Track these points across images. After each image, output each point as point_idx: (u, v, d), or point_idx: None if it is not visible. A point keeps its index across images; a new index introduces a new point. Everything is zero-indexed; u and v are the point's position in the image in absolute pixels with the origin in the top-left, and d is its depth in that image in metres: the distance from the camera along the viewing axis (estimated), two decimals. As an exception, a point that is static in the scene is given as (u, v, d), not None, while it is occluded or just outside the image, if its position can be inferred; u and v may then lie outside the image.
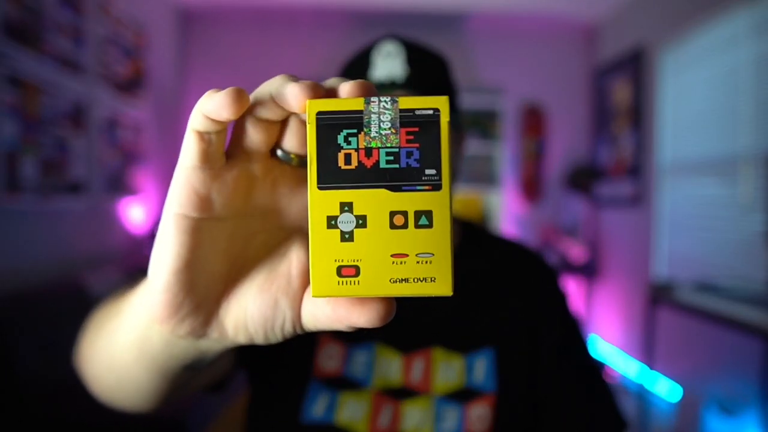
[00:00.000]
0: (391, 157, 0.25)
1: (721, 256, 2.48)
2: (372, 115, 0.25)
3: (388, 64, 0.63)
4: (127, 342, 0.35)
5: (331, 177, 0.24)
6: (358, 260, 0.24)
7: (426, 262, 0.25)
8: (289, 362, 0.66)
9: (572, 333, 0.72)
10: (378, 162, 0.25)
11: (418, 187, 0.24)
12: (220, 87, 0.26)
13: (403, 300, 0.73)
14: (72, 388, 1.71)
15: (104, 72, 2.44)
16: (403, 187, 0.25)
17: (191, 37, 3.77)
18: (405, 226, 0.25)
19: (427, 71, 0.66)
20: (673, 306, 2.18)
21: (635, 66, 3.25)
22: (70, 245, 2.26)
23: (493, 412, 0.64)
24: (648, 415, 2.64)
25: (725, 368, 2.31)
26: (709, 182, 2.59)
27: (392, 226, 0.25)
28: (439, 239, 0.24)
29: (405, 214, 0.25)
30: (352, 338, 0.66)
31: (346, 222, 0.25)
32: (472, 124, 3.71)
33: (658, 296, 2.24)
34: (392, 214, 0.25)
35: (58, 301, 1.83)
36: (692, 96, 2.75)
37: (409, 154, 0.25)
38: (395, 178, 0.25)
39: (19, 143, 1.82)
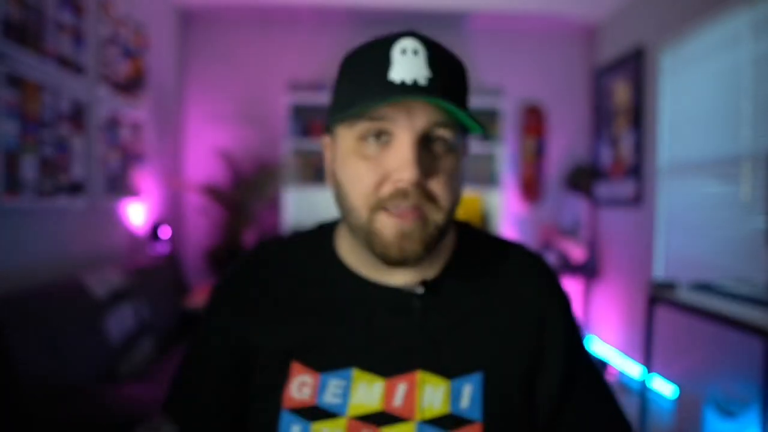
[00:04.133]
0: None
1: (721, 256, 2.48)
2: None
3: (410, 63, 0.57)
4: None
5: None
6: None
7: None
8: (260, 394, 0.65)
9: (576, 338, 0.70)
10: None
11: None
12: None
13: (385, 323, 0.66)
14: (72, 388, 1.71)
15: (104, 72, 2.44)
16: None
17: (191, 37, 3.77)
18: None
19: (449, 74, 0.60)
20: (673, 306, 2.18)
21: (635, 66, 3.25)
22: (70, 245, 2.26)
23: None
24: (648, 415, 2.63)
25: (725, 368, 2.31)
26: (709, 182, 2.59)
27: None
28: None
29: None
30: (328, 366, 0.63)
31: None
32: (472, 124, 3.71)
33: (658, 296, 2.24)
34: None
35: (58, 301, 1.83)
36: (692, 96, 2.75)
37: None
38: None
39: (19, 143, 1.82)
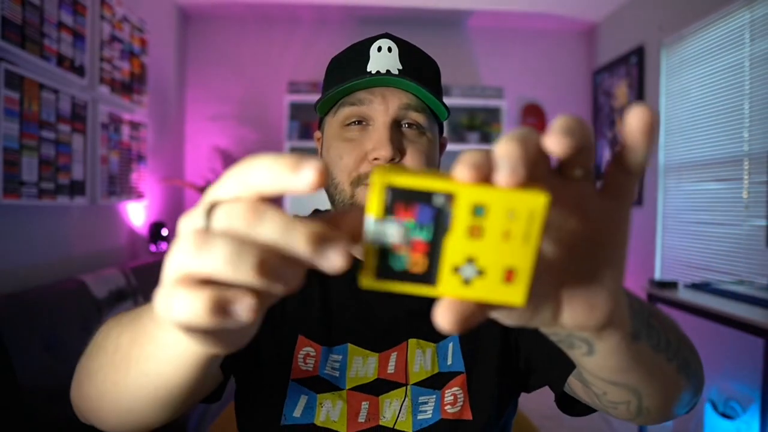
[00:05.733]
0: None
1: (721, 256, 2.48)
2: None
3: (384, 58, 0.66)
4: (172, 363, 0.35)
5: None
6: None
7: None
8: (269, 364, 0.67)
9: None
10: None
11: None
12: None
13: (375, 303, 0.71)
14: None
15: (104, 72, 2.44)
16: None
17: (191, 37, 3.77)
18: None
19: (419, 67, 0.68)
20: (673, 305, 2.18)
21: (635, 66, 3.25)
22: (70, 245, 2.26)
23: (465, 390, 0.66)
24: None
25: (725, 368, 2.31)
26: (710, 182, 2.59)
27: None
28: None
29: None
30: (327, 340, 0.67)
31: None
32: (473, 124, 3.71)
33: (658, 295, 2.24)
34: None
35: (58, 301, 1.83)
36: (692, 95, 2.75)
37: None
38: None
39: (19, 143, 1.82)
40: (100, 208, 2.49)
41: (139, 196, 2.89)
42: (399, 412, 0.64)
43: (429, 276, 0.24)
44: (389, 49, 0.66)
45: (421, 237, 0.24)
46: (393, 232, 0.24)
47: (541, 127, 3.89)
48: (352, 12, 3.64)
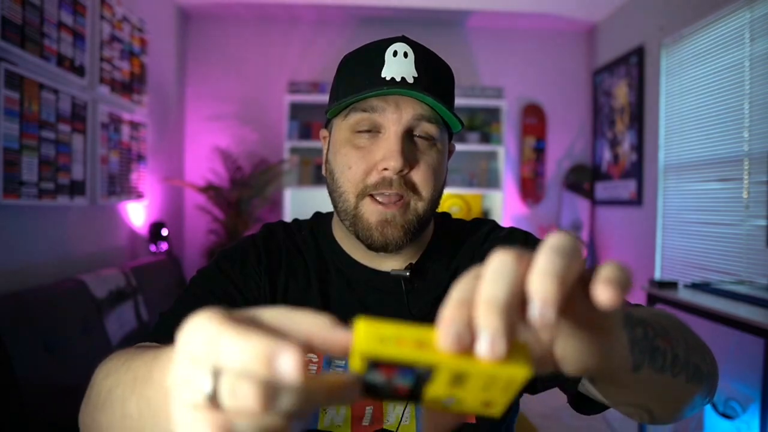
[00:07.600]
0: None
1: (721, 256, 2.48)
2: None
3: (399, 64, 0.64)
4: None
5: None
6: None
7: None
8: None
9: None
10: None
11: None
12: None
13: (376, 306, 0.71)
14: (72, 388, 1.70)
15: (104, 72, 2.44)
16: None
17: (191, 37, 3.77)
18: None
19: (434, 75, 0.66)
20: (673, 305, 2.18)
21: (635, 66, 3.25)
22: (70, 245, 2.26)
23: None
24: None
25: (725, 368, 2.31)
26: (709, 182, 2.59)
27: None
28: None
29: None
30: None
31: None
32: (473, 124, 3.71)
33: (658, 296, 2.24)
34: None
35: (58, 301, 1.83)
36: (692, 95, 2.75)
37: None
38: None
39: (19, 143, 1.82)
40: (100, 208, 2.49)
41: (139, 196, 2.89)
42: (402, 416, 0.64)
43: (413, 398, 0.27)
44: (405, 54, 0.64)
45: (403, 383, 0.26)
46: (375, 379, 0.25)
47: (540, 128, 3.89)
48: (352, 12, 3.64)
